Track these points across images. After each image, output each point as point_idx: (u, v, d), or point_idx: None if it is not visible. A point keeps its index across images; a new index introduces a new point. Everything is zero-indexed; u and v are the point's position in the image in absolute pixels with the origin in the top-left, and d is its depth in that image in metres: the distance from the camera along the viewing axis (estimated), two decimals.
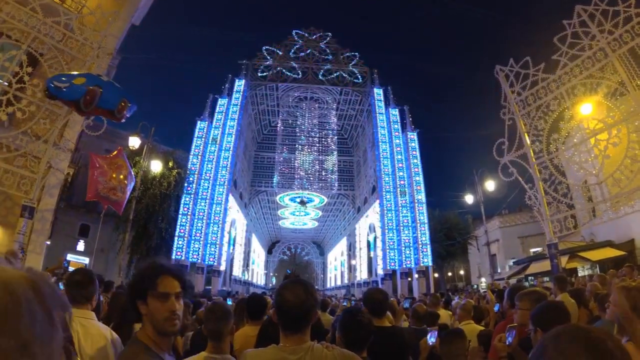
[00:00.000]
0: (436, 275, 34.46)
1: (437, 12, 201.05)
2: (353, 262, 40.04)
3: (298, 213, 44.61)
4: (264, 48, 34.82)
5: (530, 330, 2.44)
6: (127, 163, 13.04)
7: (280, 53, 34.82)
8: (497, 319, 5.68)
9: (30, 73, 10.29)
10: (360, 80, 34.79)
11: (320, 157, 38.30)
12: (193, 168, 26.27)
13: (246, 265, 39.71)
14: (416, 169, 28.80)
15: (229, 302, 7.27)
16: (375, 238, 31.82)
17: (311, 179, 37.33)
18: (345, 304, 11.97)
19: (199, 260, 24.64)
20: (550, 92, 12.43)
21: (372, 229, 33.14)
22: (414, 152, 29.40)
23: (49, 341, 0.65)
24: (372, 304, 3.43)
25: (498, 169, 13.64)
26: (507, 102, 13.64)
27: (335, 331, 2.79)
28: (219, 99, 30.23)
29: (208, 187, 26.60)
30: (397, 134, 30.51)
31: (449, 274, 47.32)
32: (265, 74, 34.05)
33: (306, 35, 35.95)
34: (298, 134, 38.96)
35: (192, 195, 25.44)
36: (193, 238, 24.82)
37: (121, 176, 12.35)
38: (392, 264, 26.99)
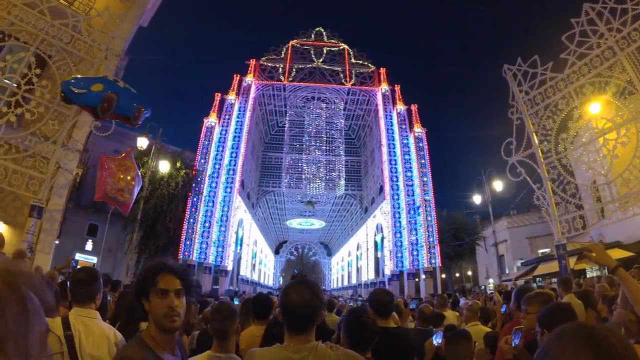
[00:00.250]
0: (444, 276, 34.33)
1: (444, 11, 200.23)
2: (360, 262, 39.99)
3: (307, 215, 44.66)
4: (271, 48, 34.90)
5: (537, 332, 2.42)
6: (135, 165, 13.14)
7: (288, 53, 34.84)
8: (504, 320, 5.66)
9: (38, 75, 10.37)
10: (368, 80, 34.73)
11: (328, 157, 38.25)
12: (201, 168, 26.38)
13: (253, 265, 39.78)
14: (424, 169, 28.67)
15: (236, 302, 7.29)
16: (382, 238, 31.73)
17: (318, 180, 37.27)
18: (351, 304, 11.96)
19: (207, 260, 24.75)
20: (559, 91, 12.33)
21: (379, 229, 33.05)
22: (422, 152, 29.29)
23: (24, 335, 0.65)
24: (377, 304, 3.43)
25: (506, 169, 13.56)
26: (515, 101, 13.55)
27: (340, 331, 2.79)
28: (227, 99, 30.32)
29: (216, 187, 26.70)
30: (404, 133, 30.42)
31: (457, 274, 47.10)
32: (272, 74, 34.10)
33: (314, 34, 35.95)
34: (305, 134, 38.92)
35: (200, 196, 25.55)
36: (200, 238, 24.92)
37: (129, 177, 12.45)
38: (400, 264, 26.94)
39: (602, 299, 5.01)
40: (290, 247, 60.45)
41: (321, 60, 34.95)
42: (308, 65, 34.54)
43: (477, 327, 4.72)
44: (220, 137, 28.51)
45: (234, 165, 28.21)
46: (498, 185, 22.56)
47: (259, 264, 45.07)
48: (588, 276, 18.72)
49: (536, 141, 12.91)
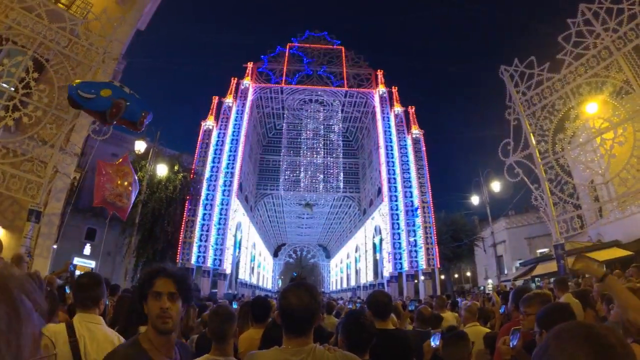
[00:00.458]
0: (442, 277, 34.28)
1: (441, 12, 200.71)
2: (359, 264, 39.95)
3: (305, 217, 44.66)
4: (268, 51, 34.93)
5: (535, 333, 2.42)
6: (132, 170, 13.13)
7: (285, 56, 34.86)
8: (503, 321, 5.67)
9: (36, 79, 10.37)
10: (365, 82, 34.76)
11: (325, 159, 38.23)
12: (199, 171, 26.35)
13: (251, 268, 39.71)
14: (422, 171, 28.66)
15: (235, 306, 7.28)
16: (381, 240, 31.73)
17: (316, 182, 37.23)
18: (350, 306, 11.95)
19: (205, 264, 24.70)
20: (555, 92, 12.38)
21: (377, 231, 33.04)
22: (419, 154, 29.30)
23: (16, 336, 0.65)
24: (376, 306, 3.43)
25: (504, 170, 13.59)
26: (512, 102, 13.60)
27: (339, 334, 2.79)
28: (224, 102, 30.32)
29: (214, 190, 26.67)
30: (402, 135, 30.43)
31: (456, 275, 47.05)
32: (270, 76, 34.12)
33: (311, 37, 35.99)
34: (303, 137, 38.91)
35: (198, 199, 25.50)
36: (199, 241, 24.88)
37: (126, 183, 12.43)
38: (398, 266, 26.92)
39: (601, 298, 5.02)
40: (288, 249, 60.34)
41: (318, 62, 34.97)
42: (306, 68, 34.54)
43: (475, 328, 4.73)
44: (218, 140, 28.48)
45: (232, 168, 28.18)
46: (496, 186, 22.59)
47: (258, 267, 44.97)
48: (587, 275, 18.71)
49: (533, 142, 12.95)
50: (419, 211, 27.36)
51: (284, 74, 34.21)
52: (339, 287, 52.52)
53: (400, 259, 26.99)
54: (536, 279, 23.40)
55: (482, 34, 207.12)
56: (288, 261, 60.58)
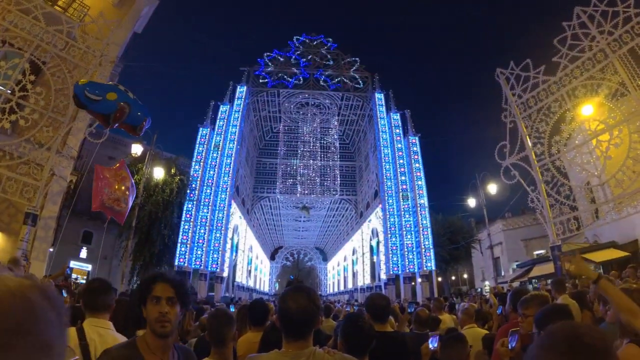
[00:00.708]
0: (440, 279, 34.34)
1: (438, 16, 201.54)
2: (356, 267, 39.91)
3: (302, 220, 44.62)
4: (265, 54, 34.90)
5: (534, 334, 2.43)
6: (129, 174, 13.12)
7: (282, 59, 34.87)
8: (500, 322, 5.67)
9: (33, 81, 10.37)
10: (362, 86, 34.79)
11: (322, 162, 38.23)
12: (195, 175, 26.28)
13: (248, 271, 39.64)
14: (418, 173, 28.68)
15: (232, 309, 7.27)
16: (378, 243, 31.70)
17: (313, 185, 37.22)
18: (348, 309, 11.94)
19: (202, 267, 24.61)
20: (551, 94, 12.44)
21: (374, 233, 33.03)
22: (416, 157, 29.31)
23: (63, 343, 0.70)
24: (374, 309, 3.43)
25: (500, 172, 13.64)
26: (508, 104, 13.65)
27: (337, 337, 2.79)
28: (221, 106, 30.27)
29: (210, 193, 26.59)
30: (398, 138, 30.43)
31: (453, 277, 47.13)
32: (266, 80, 34.12)
33: (307, 41, 36.03)
34: (300, 140, 38.92)
35: (195, 202, 25.41)
36: (196, 244, 24.79)
37: (123, 187, 12.41)
38: (395, 268, 26.88)
39: (598, 299, 5.03)
40: (285, 252, 60.25)
41: (315, 66, 35.00)
42: (302, 71, 34.54)
43: (473, 330, 4.74)
44: (215, 144, 28.44)
45: (229, 171, 28.14)
46: (492, 188, 22.64)
47: (255, 270, 44.90)
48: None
49: (529, 144, 12.99)
50: (415, 213, 27.41)
51: (281, 77, 34.20)
52: (336, 289, 52.43)
53: (398, 261, 26.98)
54: (533, 280, 23.49)
55: (479, 37, 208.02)
56: (285, 264, 60.50)
